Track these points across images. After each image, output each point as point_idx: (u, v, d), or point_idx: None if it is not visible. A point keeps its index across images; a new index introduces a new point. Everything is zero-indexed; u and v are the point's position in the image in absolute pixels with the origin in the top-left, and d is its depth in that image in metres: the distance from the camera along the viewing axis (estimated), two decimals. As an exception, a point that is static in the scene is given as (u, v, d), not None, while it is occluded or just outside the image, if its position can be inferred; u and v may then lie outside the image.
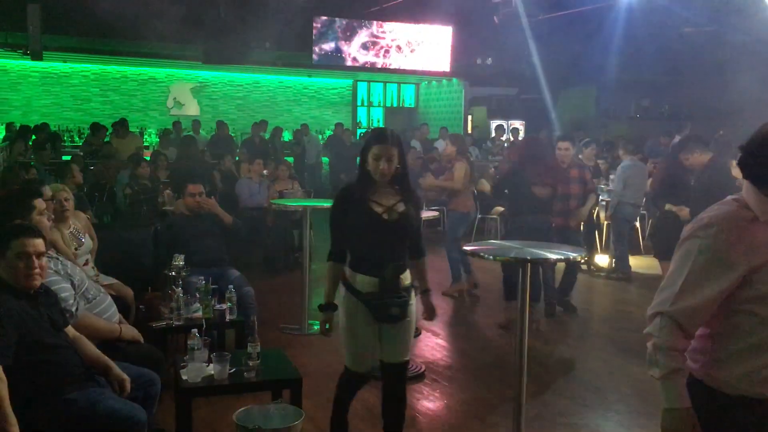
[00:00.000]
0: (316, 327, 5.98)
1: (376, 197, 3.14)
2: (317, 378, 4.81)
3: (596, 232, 9.07)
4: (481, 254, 3.58)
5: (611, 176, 8.61)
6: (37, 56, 10.06)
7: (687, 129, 11.50)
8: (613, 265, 8.26)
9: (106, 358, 3.17)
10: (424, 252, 3.38)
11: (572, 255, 3.61)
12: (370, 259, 3.15)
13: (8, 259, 2.89)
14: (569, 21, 12.90)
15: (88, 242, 4.73)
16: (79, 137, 13.69)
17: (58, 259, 3.66)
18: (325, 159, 14.22)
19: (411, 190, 3.23)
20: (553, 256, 3.58)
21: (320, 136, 15.38)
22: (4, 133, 12.75)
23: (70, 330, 3.16)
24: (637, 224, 8.99)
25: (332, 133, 14.56)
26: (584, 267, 8.20)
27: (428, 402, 4.59)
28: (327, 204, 6.52)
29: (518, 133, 14.81)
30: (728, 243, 1.86)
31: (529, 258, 3.41)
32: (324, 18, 13.87)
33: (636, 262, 8.47)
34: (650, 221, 8.82)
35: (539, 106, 15.13)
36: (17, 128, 12.02)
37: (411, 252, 3.29)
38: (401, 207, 3.15)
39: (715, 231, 1.88)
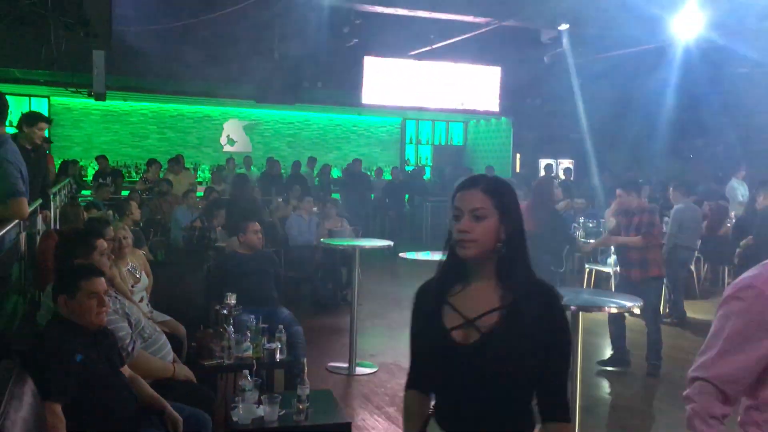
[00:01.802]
0: (364, 367, 5.98)
1: (458, 297, 1.92)
2: (365, 420, 4.80)
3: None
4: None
5: (665, 218, 8.44)
6: (100, 98, 10.49)
7: (742, 170, 11.23)
8: (668, 309, 8.04)
9: (161, 398, 3.22)
10: (564, 412, 1.90)
11: (628, 304, 3.54)
12: (444, 406, 1.97)
13: (78, 300, 2.98)
14: (622, 61, 12.83)
15: (144, 279, 4.84)
16: (136, 173, 14.13)
17: (116, 297, 3.76)
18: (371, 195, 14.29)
19: (526, 284, 1.87)
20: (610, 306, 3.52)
21: (370, 173, 15.52)
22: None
23: (126, 369, 3.23)
24: (692, 267, 8.76)
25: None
26: (637, 312, 7.99)
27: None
28: (375, 243, 6.58)
29: (571, 173, 14.69)
30: None
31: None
32: (374, 58, 14.10)
33: (691, 307, 8.23)
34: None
35: (588, 145, 14.98)
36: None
37: (539, 407, 1.89)
38: (495, 318, 1.84)
39: (756, 293, 1.78)
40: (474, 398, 1.85)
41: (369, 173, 15.27)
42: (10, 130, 4.56)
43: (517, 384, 1.83)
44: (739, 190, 10.70)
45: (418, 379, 2.05)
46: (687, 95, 13.28)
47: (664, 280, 6.68)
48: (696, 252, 8.45)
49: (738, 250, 8.15)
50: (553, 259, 6.31)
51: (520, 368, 1.81)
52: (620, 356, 6.23)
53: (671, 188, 8.26)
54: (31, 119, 5.30)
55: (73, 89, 11.39)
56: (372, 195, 14.16)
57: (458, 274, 1.94)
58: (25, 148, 5.12)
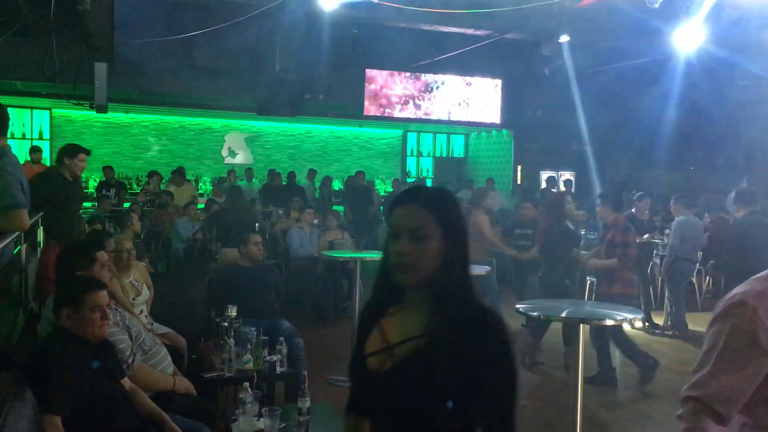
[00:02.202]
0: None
1: (391, 320, 1.72)
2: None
3: (651, 289, 8.87)
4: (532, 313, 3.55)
5: (666, 231, 8.44)
6: (102, 110, 10.52)
7: (744, 182, 11.24)
8: (669, 322, 8.02)
9: (161, 411, 3.21)
10: None
11: (629, 317, 3.54)
12: None
13: (82, 313, 2.97)
14: (623, 73, 12.87)
15: (145, 292, 4.84)
16: (137, 185, 14.16)
17: (117, 310, 3.76)
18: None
19: (461, 310, 1.62)
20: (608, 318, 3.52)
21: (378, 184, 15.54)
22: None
23: (126, 382, 3.22)
24: (694, 280, 8.75)
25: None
26: (639, 324, 8.00)
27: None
28: (376, 255, 6.57)
29: (571, 185, 14.69)
30: (761, 324, 1.70)
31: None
32: (375, 71, 14.15)
33: (693, 319, 8.20)
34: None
35: (590, 157, 15.00)
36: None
37: None
38: (413, 346, 1.61)
39: (747, 310, 1.72)
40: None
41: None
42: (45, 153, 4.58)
43: (431, 423, 1.57)
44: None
45: (353, 404, 1.83)
46: (689, 107, 13.30)
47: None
48: (698, 264, 8.44)
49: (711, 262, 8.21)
50: (566, 272, 6.32)
51: (431, 405, 1.55)
52: (606, 375, 6.04)
53: (672, 201, 8.27)
54: (71, 151, 5.41)
55: (75, 101, 11.43)
56: (381, 207, 14.13)
57: (395, 295, 1.72)
58: (66, 179, 5.20)
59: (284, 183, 12.73)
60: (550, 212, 6.63)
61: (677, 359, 7.02)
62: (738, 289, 1.81)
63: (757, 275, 1.84)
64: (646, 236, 8.20)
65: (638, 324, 7.87)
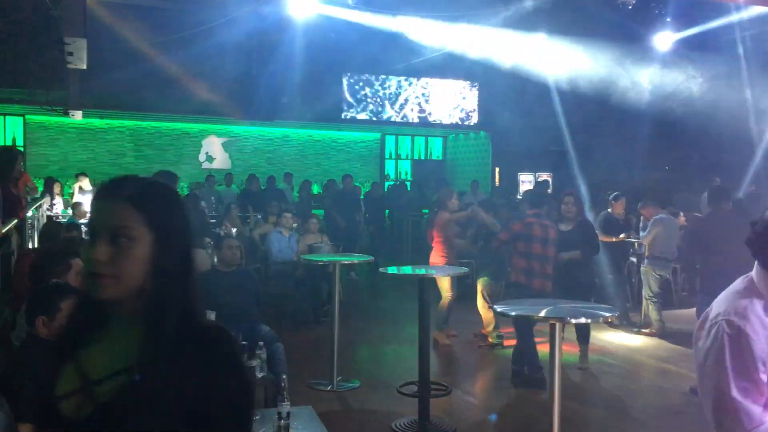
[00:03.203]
0: (346, 383, 5.96)
1: (89, 351, 1.35)
2: (346, 437, 4.77)
3: (628, 286, 8.97)
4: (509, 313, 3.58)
5: (641, 230, 8.53)
6: (76, 116, 10.44)
7: (716, 182, 11.43)
8: (645, 319, 8.11)
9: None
10: None
11: (606, 315, 3.58)
12: None
13: (58, 321, 2.94)
14: (599, 74, 13.01)
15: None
16: (114, 191, 14.00)
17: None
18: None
19: (182, 333, 1.31)
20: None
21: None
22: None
23: (103, 389, 3.18)
24: (670, 277, 8.85)
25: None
26: (615, 322, 8.08)
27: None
28: (358, 258, 6.58)
29: (548, 186, 14.80)
30: (750, 340, 1.79)
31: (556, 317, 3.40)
32: (352, 74, 14.18)
33: (669, 317, 8.30)
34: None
35: (567, 158, 15.13)
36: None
37: None
38: (122, 382, 1.27)
39: (734, 329, 1.80)
40: None
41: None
42: None
43: None
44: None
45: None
46: (663, 108, 13.49)
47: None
48: (673, 263, 8.54)
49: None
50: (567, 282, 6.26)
51: None
52: (534, 375, 5.91)
53: (640, 205, 8.44)
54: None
55: (49, 107, 11.31)
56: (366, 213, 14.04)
57: (95, 317, 1.35)
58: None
59: (263, 188, 12.67)
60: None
61: (654, 356, 7.10)
62: (718, 308, 1.88)
63: (731, 289, 1.91)
64: (622, 235, 8.29)
65: (615, 322, 7.95)
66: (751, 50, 11.89)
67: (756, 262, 1.88)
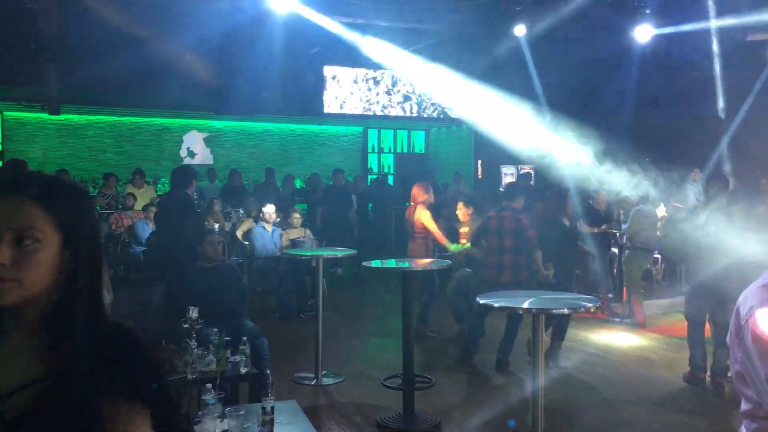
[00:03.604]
0: (330, 377, 5.96)
1: None
2: (333, 431, 4.78)
3: (610, 278, 9.05)
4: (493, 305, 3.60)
5: (623, 222, 8.61)
6: (54, 111, 10.31)
7: (696, 173, 11.61)
8: (627, 310, 8.19)
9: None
10: None
11: (588, 305, 3.60)
12: None
13: None
14: (581, 66, 13.07)
15: (105, 297, 4.75)
16: (94, 187, 13.88)
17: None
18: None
19: (91, 341, 1.23)
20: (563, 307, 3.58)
21: (331, 183, 15.48)
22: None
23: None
24: (651, 268, 8.94)
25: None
26: (597, 312, 8.15)
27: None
28: (341, 253, 6.58)
29: (531, 178, 14.88)
30: None
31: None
32: (334, 67, 14.12)
33: (650, 307, 8.39)
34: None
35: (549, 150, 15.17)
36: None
37: None
38: (28, 398, 1.19)
39: None
40: None
41: (329, 183, 15.20)
42: None
43: None
44: (692, 191, 10.99)
45: None
46: (644, 102, 13.59)
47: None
48: (654, 253, 8.63)
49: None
50: (562, 277, 6.33)
51: None
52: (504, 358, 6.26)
53: (623, 195, 8.52)
54: None
55: (26, 103, 11.17)
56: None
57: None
58: None
59: (246, 184, 12.61)
60: (547, 212, 6.72)
61: (635, 346, 7.17)
62: (751, 302, 1.90)
63: (758, 282, 1.94)
64: (603, 226, 8.36)
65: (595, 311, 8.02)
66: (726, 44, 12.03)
67: None
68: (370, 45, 12.21)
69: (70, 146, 14.99)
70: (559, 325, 6.37)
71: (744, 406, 2.00)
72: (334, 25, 11.31)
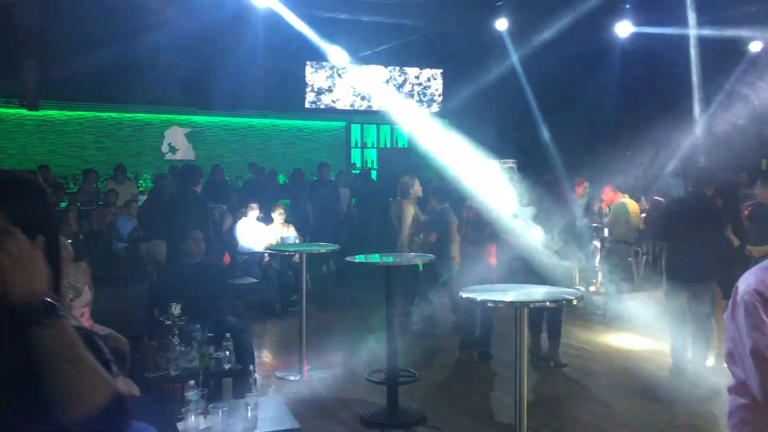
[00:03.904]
0: (314, 372, 5.96)
1: None
2: (316, 427, 4.78)
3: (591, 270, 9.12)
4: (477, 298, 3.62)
5: (599, 214, 8.68)
6: (33, 107, 10.19)
7: (675, 165, 11.74)
8: (608, 302, 8.26)
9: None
10: None
11: (571, 298, 3.63)
12: None
13: None
14: (563, 60, 13.15)
15: (86, 294, 4.71)
16: (74, 184, 13.74)
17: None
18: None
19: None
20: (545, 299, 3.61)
21: (315, 178, 15.44)
22: None
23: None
24: (632, 260, 9.02)
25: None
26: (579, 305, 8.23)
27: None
28: (324, 248, 6.57)
29: (514, 172, 14.92)
30: None
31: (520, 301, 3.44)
32: (316, 63, 14.09)
33: (631, 299, 8.47)
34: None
35: (531, 145, 15.25)
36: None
37: None
38: None
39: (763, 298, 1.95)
40: None
41: (314, 179, 15.15)
42: None
43: None
44: (674, 184, 11.09)
45: None
46: (626, 95, 13.70)
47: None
48: (634, 246, 8.71)
49: None
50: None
51: None
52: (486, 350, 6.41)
53: (605, 188, 8.59)
54: None
55: (5, 99, 11.03)
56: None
57: None
58: None
59: (229, 179, 12.53)
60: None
61: (616, 338, 7.24)
62: (748, 282, 2.03)
63: (759, 266, 2.06)
64: (585, 220, 8.42)
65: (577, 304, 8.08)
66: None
67: None
68: (351, 40, 12.20)
69: (49, 142, 14.82)
70: (552, 324, 6.31)
71: (732, 382, 2.11)
72: (314, 20, 11.28)
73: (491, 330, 6.38)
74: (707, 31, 11.32)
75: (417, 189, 7.39)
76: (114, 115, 15.17)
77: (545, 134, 14.85)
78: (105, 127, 15.27)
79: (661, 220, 6.43)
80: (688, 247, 5.69)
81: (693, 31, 11.57)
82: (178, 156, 15.58)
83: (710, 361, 5.89)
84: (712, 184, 5.93)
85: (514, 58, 13.39)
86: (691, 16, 10.98)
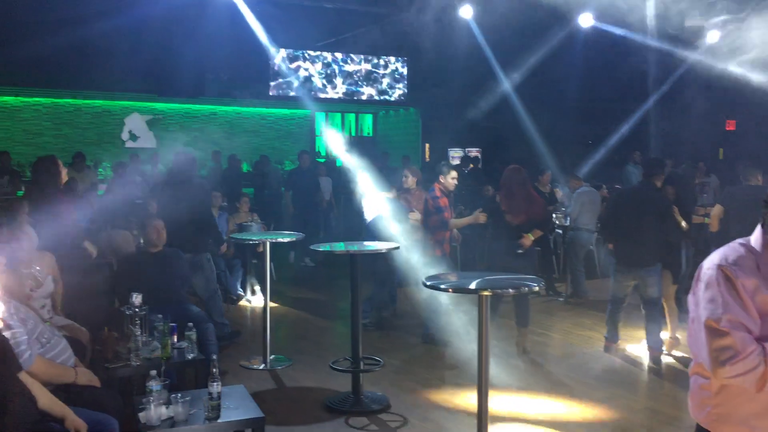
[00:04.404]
0: (279, 361, 5.94)
1: None
2: (280, 415, 4.77)
3: (554, 258, 9.25)
4: (443, 287, 3.64)
5: (565, 202, 8.79)
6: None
7: (636, 155, 11.95)
8: (570, 289, 8.39)
9: (62, 404, 3.09)
10: None
11: (531, 286, 3.67)
12: None
13: None
14: (527, 50, 13.25)
15: (48, 285, 4.60)
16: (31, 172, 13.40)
17: (10, 302, 3.57)
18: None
19: None
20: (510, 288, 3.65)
21: (280, 167, 15.32)
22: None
23: (24, 376, 3.08)
24: (593, 248, 9.16)
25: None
26: (541, 292, 8.36)
27: (392, 435, 4.57)
28: (287, 237, 6.53)
29: (478, 162, 15.01)
30: (738, 282, 1.99)
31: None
32: (281, 49, 13.94)
33: (592, 285, 8.61)
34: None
35: (496, 134, 15.37)
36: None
37: None
38: None
39: (729, 275, 2.00)
40: None
41: (278, 167, 15.03)
42: None
43: None
44: (634, 173, 11.29)
45: None
46: (588, 86, 13.87)
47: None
48: (596, 234, 8.84)
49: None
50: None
51: None
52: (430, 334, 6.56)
53: (569, 178, 8.72)
54: None
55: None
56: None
57: None
58: None
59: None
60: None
61: (578, 324, 7.37)
62: (712, 259, 2.09)
63: (727, 246, 2.12)
64: (549, 208, 8.52)
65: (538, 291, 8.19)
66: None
67: (760, 224, 2.07)
68: (316, 28, 12.10)
69: (5, 129, 14.44)
70: (520, 311, 6.32)
71: (693, 364, 2.18)
72: (279, 7, 11.16)
73: (437, 316, 6.47)
74: (668, 20, 11.51)
75: (410, 181, 7.41)
76: (72, 101, 14.84)
77: (512, 124, 14.96)
78: (63, 113, 14.94)
79: (607, 209, 6.59)
80: (632, 235, 5.89)
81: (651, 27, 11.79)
82: (139, 144, 15.32)
83: (665, 345, 6.05)
84: (661, 174, 6.10)
85: (481, 42, 13.40)
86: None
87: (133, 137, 15.53)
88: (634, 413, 4.90)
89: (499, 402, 4.91)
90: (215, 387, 3.42)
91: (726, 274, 2.00)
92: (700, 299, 2.06)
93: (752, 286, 1.98)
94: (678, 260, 6.39)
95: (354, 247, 5.67)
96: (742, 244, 2.09)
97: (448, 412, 4.95)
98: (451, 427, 4.68)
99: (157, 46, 11.24)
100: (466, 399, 5.08)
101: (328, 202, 11.88)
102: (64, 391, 3.35)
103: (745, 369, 1.93)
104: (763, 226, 2.07)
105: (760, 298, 1.98)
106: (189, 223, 5.94)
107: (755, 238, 2.08)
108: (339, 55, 14.49)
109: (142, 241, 5.70)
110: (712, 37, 12.01)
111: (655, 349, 5.90)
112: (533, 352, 6.31)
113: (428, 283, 3.69)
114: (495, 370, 5.64)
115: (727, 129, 16.76)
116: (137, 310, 4.45)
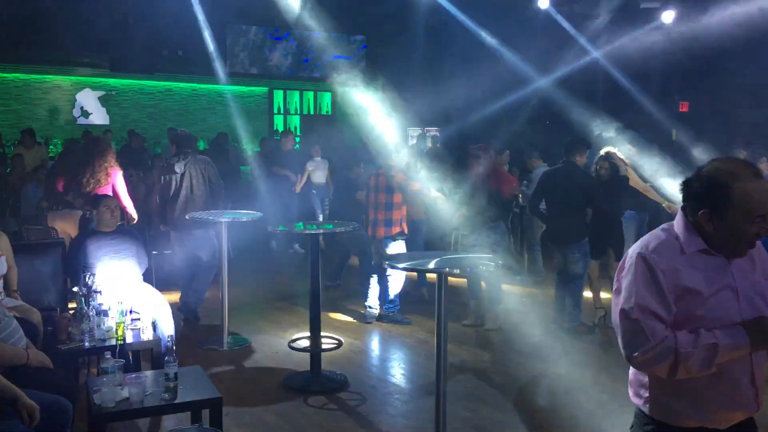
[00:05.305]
0: (237, 341, 5.91)
1: None
2: (238, 396, 4.75)
3: (511, 237, 9.34)
4: (399, 266, 3.66)
5: (524, 182, 8.89)
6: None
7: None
8: (529, 267, 8.52)
9: (13, 386, 3.01)
10: None
11: (490, 264, 3.71)
12: None
13: None
14: (488, 25, 13.30)
15: (1, 265, 4.47)
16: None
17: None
18: (245, 168, 13.67)
19: None
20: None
21: (236, 144, 15.11)
22: None
23: (-28, 359, 3.00)
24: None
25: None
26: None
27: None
28: (246, 216, 6.45)
29: (438, 141, 15.04)
30: (657, 268, 2.03)
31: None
32: (238, 26, 13.72)
33: (551, 265, 8.74)
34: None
35: (455, 114, 15.39)
36: None
37: None
38: None
39: (649, 263, 2.04)
40: None
41: (235, 145, 14.82)
42: None
43: None
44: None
45: None
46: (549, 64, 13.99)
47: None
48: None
49: None
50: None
51: None
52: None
53: (530, 157, 8.82)
54: None
55: None
56: (245, 167, 13.52)
57: None
58: None
59: (147, 145, 12.09)
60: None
61: (536, 301, 7.48)
62: (635, 247, 2.13)
63: (651, 233, 2.17)
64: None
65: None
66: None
67: (680, 209, 2.12)
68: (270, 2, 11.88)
69: (-52, 104, 13.91)
70: (491, 290, 6.46)
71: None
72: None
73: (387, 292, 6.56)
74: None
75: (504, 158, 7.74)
76: (21, 76, 14.34)
77: (472, 103, 15.00)
78: (11, 88, 14.42)
79: (535, 189, 6.74)
80: (556, 213, 6.25)
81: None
82: (91, 120, 14.91)
83: (584, 321, 6.31)
84: (584, 151, 6.33)
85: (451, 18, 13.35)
86: None
87: (85, 114, 15.11)
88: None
89: (458, 378, 4.98)
90: (172, 367, 3.39)
91: (645, 261, 2.05)
92: (622, 287, 2.11)
93: (674, 271, 2.02)
94: (620, 238, 6.53)
95: (312, 227, 5.66)
96: (664, 230, 2.14)
97: (405, 392, 5.00)
98: (410, 405, 4.73)
99: (111, 20, 10.92)
100: (425, 377, 5.13)
101: (324, 185, 11.24)
102: (15, 375, 3.28)
103: (655, 358, 1.98)
104: (683, 210, 2.12)
105: (685, 280, 2.02)
106: None
107: (677, 221, 2.13)
108: (296, 32, 14.29)
109: (95, 220, 5.57)
110: (667, 17, 12.34)
111: (572, 326, 6.19)
112: (495, 329, 6.39)
113: (387, 262, 3.71)
114: (454, 346, 5.72)
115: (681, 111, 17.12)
116: (90, 290, 4.37)
